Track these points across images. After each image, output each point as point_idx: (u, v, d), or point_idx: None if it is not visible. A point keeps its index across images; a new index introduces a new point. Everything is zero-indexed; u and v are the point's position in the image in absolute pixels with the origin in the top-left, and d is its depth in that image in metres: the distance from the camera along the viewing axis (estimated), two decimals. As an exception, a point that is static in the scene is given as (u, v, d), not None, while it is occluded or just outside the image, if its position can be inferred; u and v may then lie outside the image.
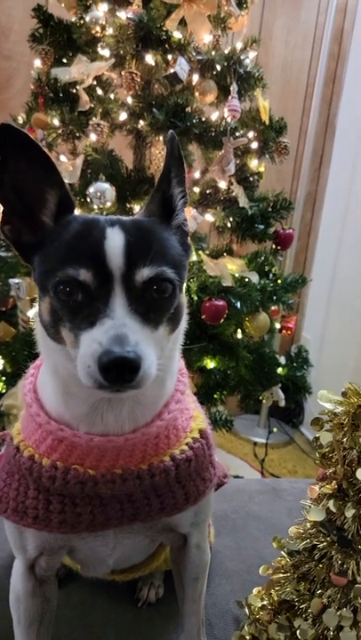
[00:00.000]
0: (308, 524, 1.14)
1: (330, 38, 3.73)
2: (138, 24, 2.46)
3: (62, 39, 2.65)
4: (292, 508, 1.78)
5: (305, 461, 3.92)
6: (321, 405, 1.11)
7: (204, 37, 2.63)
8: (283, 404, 3.15)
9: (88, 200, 2.42)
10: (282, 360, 3.18)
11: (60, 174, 0.92)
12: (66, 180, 1.06)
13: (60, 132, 2.63)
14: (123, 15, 2.51)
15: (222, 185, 2.72)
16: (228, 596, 1.41)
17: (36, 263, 0.92)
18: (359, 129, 3.68)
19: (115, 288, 0.83)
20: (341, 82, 3.90)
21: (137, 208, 2.54)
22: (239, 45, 2.73)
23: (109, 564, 1.11)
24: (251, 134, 2.78)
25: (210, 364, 2.74)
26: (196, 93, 2.65)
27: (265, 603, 1.19)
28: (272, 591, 1.19)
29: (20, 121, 2.77)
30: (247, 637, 1.20)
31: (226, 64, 2.67)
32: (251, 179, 2.87)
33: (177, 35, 2.53)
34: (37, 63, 2.71)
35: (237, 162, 2.74)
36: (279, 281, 2.95)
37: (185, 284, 1.20)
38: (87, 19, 2.58)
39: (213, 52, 2.67)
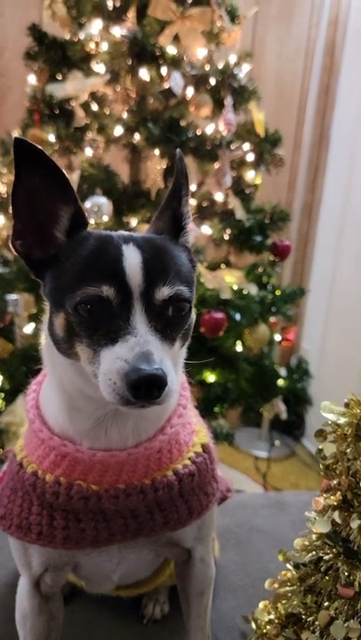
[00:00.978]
0: (314, 536, 1.13)
1: (322, 51, 3.77)
2: (132, 40, 2.49)
3: (57, 56, 2.68)
4: (296, 520, 1.76)
5: (307, 474, 3.89)
6: (323, 417, 1.11)
7: (198, 52, 2.66)
8: (284, 416, 3.14)
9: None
10: (282, 372, 3.18)
11: (74, 190, 0.91)
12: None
13: (56, 147, 2.64)
14: (117, 32, 2.54)
15: (219, 197, 2.74)
16: (234, 610, 1.39)
17: (48, 278, 0.91)
18: (354, 139, 3.70)
19: (134, 305, 0.83)
20: (335, 93, 3.93)
21: (133, 222, 2.55)
22: (233, 59, 2.75)
23: (114, 580, 1.09)
24: (246, 147, 2.80)
25: (210, 377, 2.73)
26: (191, 107, 2.67)
27: (272, 617, 1.17)
28: (279, 605, 1.17)
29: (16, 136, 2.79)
30: (254, 653, 1.18)
31: (220, 78, 2.69)
32: (247, 191, 2.88)
33: (171, 50, 2.56)
34: (32, 80, 2.74)
35: (233, 174, 2.76)
36: (278, 292, 2.95)
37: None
38: (82, 36, 2.61)
39: (207, 67, 2.70)
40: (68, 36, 2.70)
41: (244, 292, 2.70)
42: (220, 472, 1.14)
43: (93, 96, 2.64)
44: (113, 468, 0.93)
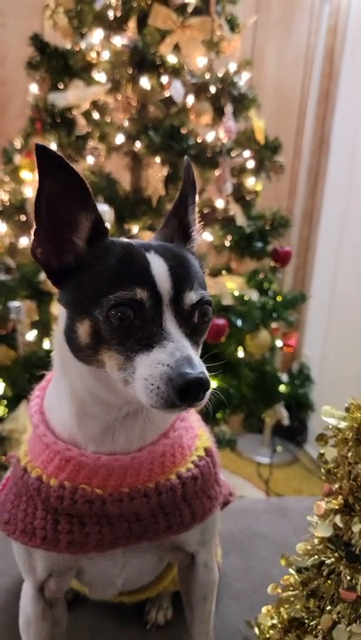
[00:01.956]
0: (316, 540, 1.13)
1: (322, 58, 3.80)
2: (133, 49, 2.51)
3: (58, 66, 2.71)
4: (298, 526, 1.75)
5: (310, 480, 3.89)
6: (324, 422, 1.11)
7: (198, 61, 2.68)
8: (286, 422, 3.14)
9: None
10: (284, 378, 3.18)
11: (94, 198, 0.91)
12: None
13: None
14: (118, 41, 2.57)
15: (220, 204, 2.75)
16: (237, 616, 1.39)
17: (69, 286, 0.91)
18: (353, 146, 3.72)
19: (165, 311, 0.84)
20: (334, 100, 3.96)
21: (135, 229, 2.56)
22: (233, 68, 2.78)
23: (117, 586, 1.10)
24: (247, 154, 2.82)
25: (212, 383, 2.73)
26: (192, 115, 2.70)
27: (275, 621, 1.17)
28: (281, 609, 1.17)
29: (18, 146, 2.82)
30: (258, 658, 1.18)
31: (220, 86, 2.72)
32: (248, 197, 2.90)
33: (171, 59, 2.58)
34: (33, 89, 2.76)
35: (234, 181, 2.78)
36: (279, 298, 2.96)
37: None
38: (83, 45, 2.64)
39: (207, 75, 2.72)
40: (69, 46, 2.73)
41: (246, 298, 2.71)
42: (222, 477, 1.15)
43: (95, 105, 2.67)
44: (117, 471, 0.94)
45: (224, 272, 2.96)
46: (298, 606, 1.13)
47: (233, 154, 2.73)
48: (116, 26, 2.65)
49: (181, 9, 2.60)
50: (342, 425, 1.10)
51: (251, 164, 2.83)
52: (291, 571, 1.20)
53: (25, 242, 2.74)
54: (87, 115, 2.65)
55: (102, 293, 0.84)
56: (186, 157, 1.03)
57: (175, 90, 2.54)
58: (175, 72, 2.59)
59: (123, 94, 2.62)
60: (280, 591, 1.23)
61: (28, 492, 0.98)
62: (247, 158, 2.81)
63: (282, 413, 3.02)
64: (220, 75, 2.73)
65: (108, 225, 0.95)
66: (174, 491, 0.98)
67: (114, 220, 2.51)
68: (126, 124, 2.64)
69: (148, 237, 1.37)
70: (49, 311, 2.57)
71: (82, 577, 1.10)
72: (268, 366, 2.99)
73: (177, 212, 1.02)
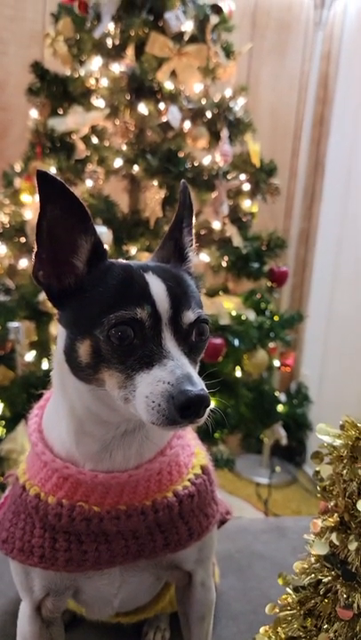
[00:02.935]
0: (313, 559, 1.14)
1: (316, 83, 3.89)
2: (131, 76, 2.58)
3: (58, 92, 2.77)
4: (296, 546, 1.75)
5: (309, 501, 3.87)
6: (322, 441, 1.13)
7: (195, 87, 2.75)
8: (285, 441, 3.14)
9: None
10: (282, 397, 3.19)
11: (93, 221, 0.94)
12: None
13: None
14: (116, 68, 2.63)
15: (216, 226, 2.79)
16: (236, 637, 1.38)
17: (70, 308, 0.93)
18: (348, 168, 3.79)
19: (164, 330, 0.87)
20: (329, 124, 4.04)
21: (133, 250, 2.60)
22: (228, 93, 2.84)
23: (115, 605, 1.10)
24: (243, 177, 2.86)
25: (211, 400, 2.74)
26: (189, 139, 2.75)
27: (272, 642, 1.17)
28: (279, 629, 1.17)
29: (18, 169, 2.86)
30: None
31: (216, 111, 2.78)
32: (244, 219, 2.94)
33: (168, 85, 2.64)
34: (34, 114, 2.82)
35: (230, 203, 2.83)
36: (276, 318, 2.99)
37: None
38: (82, 72, 2.70)
39: (204, 101, 2.79)
40: (68, 73, 2.80)
41: (243, 318, 2.73)
42: (219, 495, 1.16)
43: (93, 129, 2.72)
44: (114, 489, 0.95)
45: (221, 292, 2.98)
46: (295, 625, 1.13)
47: (229, 177, 2.78)
48: (115, 53, 2.72)
49: (178, 37, 2.67)
50: (337, 443, 1.12)
51: (247, 187, 2.88)
52: (288, 590, 1.20)
53: (24, 263, 2.77)
54: (86, 139, 2.70)
55: (103, 313, 0.86)
56: (183, 181, 1.06)
57: (172, 115, 2.60)
58: (172, 98, 2.65)
59: (121, 119, 2.68)
60: (278, 611, 1.23)
61: (27, 510, 0.99)
62: (243, 181, 2.85)
63: (280, 433, 3.02)
64: (216, 100, 2.80)
65: (106, 246, 0.98)
66: (171, 508, 0.99)
67: (112, 241, 2.54)
68: (124, 148, 2.69)
69: (146, 258, 1.40)
70: (48, 331, 2.59)
71: (79, 597, 1.10)
72: (266, 386, 3.01)
73: (173, 235, 1.05)
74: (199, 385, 0.81)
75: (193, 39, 2.72)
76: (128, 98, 2.63)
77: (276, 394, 3.08)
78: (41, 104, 2.78)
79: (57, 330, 1.00)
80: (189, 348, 0.90)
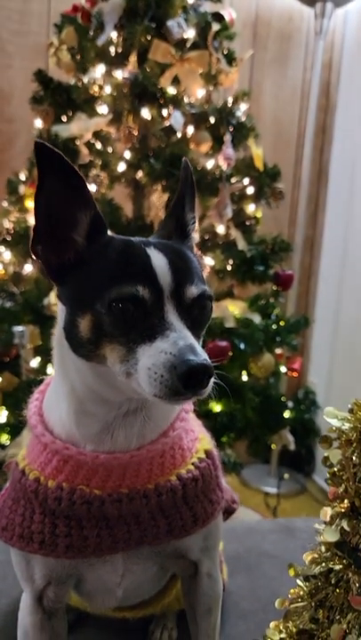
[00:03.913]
0: (323, 548, 1.10)
1: (318, 92, 3.90)
2: (134, 82, 2.59)
3: (62, 99, 2.79)
4: (306, 546, 1.71)
5: (318, 510, 3.78)
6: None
7: (197, 92, 2.76)
8: (292, 447, 3.10)
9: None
10: (289, 404, 3.15)
11: (92, 195, 0.93)
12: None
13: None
14: (119, 75, 2.65)
15: (220, 230, 2.79)
16: (245, 636, 1.34)
17: (70, 283, 0.92)
18: (352, 175, 3.79)
19: (166, 304, 0.86)
20: (331, 132, 4.05)
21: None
22: (230, 99, 2.86)
23: (118, 596, 1.06)
24: (246, 181, 2.86)
25: (215, 407, 2.71)
26: (192, 144, 2.76)
27: (283, 635, 1.13)
28: (290, 622, 1.13)
29: (23, 177, 2.88)
30: (267, 675, 1.13)
31: (219, 116, 2.79)
32: (248, 223, 2.94)
33: (171, 90, 2.66)
34: (38, 123, 2.84)
35: (234, 207, 2.82)
36: (282, 323, 2.96)
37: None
38: (85, 80, 2.73)
39: (206, 106, 2.80)
40: (72, 81, 2.82)
41: (248, 321, 2.71)
42: (224, 483, 1.13)
43: (97, 135, 2.74)
44: (116, 471, 0.93)
45: (226, 297, 2.96)
46: (306, 617, 1.09)
47: (232, 180, 2.78)
48: (118, 61, 2.74)
49: (180, 44, 2.69)
50: (346, 426, 1.09)
51: (250, 191, 2.88)
52: (298, 582, 1.16)
53: (29, 268, 2.77)
54: (90, 145, 2.71)
55: (104, 287, 0.85)
56: (184, 158, 1.05)
57: (175, 119, 2.61)
58: (175, 103, 2.67)
59: (124, 125, 2.69)
60: (288, 604, 1.19)
61: (26, 495, 0.97)
62: (247, 185, 2.85)
63: (288, 438, 2.98)
64: (218, 106, 2.81)
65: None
66: (174, 492, 0.96)
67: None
68: (128, 153, 2.70)
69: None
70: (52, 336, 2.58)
71: (82, 587, 1.07)
72: (273, 391, 2.97)
73: (175, 211, 1.04)
74: (202, 355, 0.80)
75: (195, 46, 2.74)
76: (131, 103, 2.65)
77: (283, 399, 3.05)
78: (45, 112, 2.80)
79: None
80: (192, 322, 0.88)
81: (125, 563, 1.00)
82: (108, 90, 2.69)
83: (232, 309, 2.77)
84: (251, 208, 2.90)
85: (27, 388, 2.71)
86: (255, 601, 1.46)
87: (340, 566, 1.05)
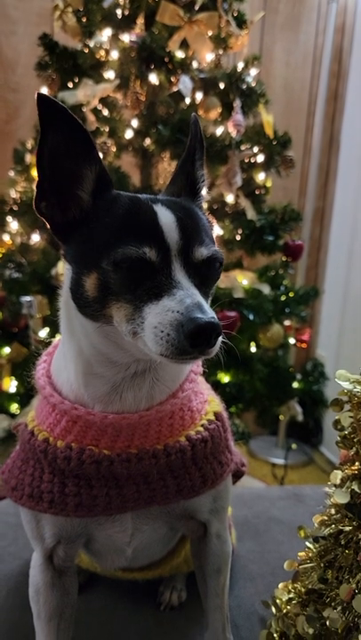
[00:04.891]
0: (333, 510, 1.10)
1: (330, 58, 3.81)
2: (141, 46, 2.53)
3: (68, 65, 2.73)
4: (314, 512, 1.71)
5: (326, 482, 3.81)
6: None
7: (206, 56, 2.69)
8: (300, 417, 3.10)
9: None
10: (297, 376, 3.14)
11: (98, 150, 0.90)
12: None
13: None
14: (126, 38, 2.59)
15: (230, 198, 2.75)
16: (254, 597, 1.35)
17: (75, 241, 0.90)
18: (363, 144, 3.71)
19: (173, 262, 0.84)
20: (343, 99, 3.96)
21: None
22: (241, 64, 2.79)
23: (128, 555, 1.07)
24: (256, 149, 2.81)
25: (224, 378, 2.71)
26: (200, 110, 2.70)
27: (292, 595, 1.14)
28: (298, 583, 1.14)
29: (29, 146, 2.84)
30: (275, 635, 1.14)
31: (228, 81, 2.72)
32: (257, 192, 2.89)
33: (179, 54, 2.60)
34: (44, 91, 2.79)
35: (244, 176, 2.77)
36: (291, 294, 2.93)
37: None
38: (91, 44, 2.67)
39: (216, 71, 2.73)
40: (78, 46, 2.76)
41: (257, 292, 2.69)
42: (233, 445, 1.13)
43: (104, 102, 2.69)
44: (125, 431, 0.92)
45: (235, 268, 2.93)
46: (315, 578, 1.09)
47: (242, 148, 2.72)
48: (124, 24, 2.68)
49: (189, 6, 2.62)
50: (357, 389, 1.08)
51: (260, 159, 2.82)
52: (307, 544, 1.16)
53: (36, 239, 2.75)
54: (96, 111, 2.66)
55: (110, 245, 0.82)
56: (193, 114, 1.02)
57: (184, 84, 2.56)
58: (183, 67, 2.61)
59: (131, 90, 2.64)
60: (297, 566, 1.19)
61: (35, 456, 0.96)
62: (256, 152, 2.80)
63: (296, 409, 2.98)
64: (228, 70, 2.74)
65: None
66: (183, 452, 0.96)
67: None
68: (135, 120, 2.65)
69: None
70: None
71: (91, 546, 1.07)
72: (281, 362, 2.96)
73: (184, 168, 1.01)
74: (210, 313, 0.78)
75: (204, 8, 2.67)
76: (138, 68, 2.59)
77: (292, 370, 3.04)
78: (50, 78, 2.74)
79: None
80: (200, 280, 0.86)
81: (135, 522, 1.00)
82: (114, 54, 2.63)
83: (241, 280, 2.75)
84: (261, 177, 2.85)
85: (35, 359, 2.73)
86: (264, 564, 1.47)
87: (350, 527, 1.05)
